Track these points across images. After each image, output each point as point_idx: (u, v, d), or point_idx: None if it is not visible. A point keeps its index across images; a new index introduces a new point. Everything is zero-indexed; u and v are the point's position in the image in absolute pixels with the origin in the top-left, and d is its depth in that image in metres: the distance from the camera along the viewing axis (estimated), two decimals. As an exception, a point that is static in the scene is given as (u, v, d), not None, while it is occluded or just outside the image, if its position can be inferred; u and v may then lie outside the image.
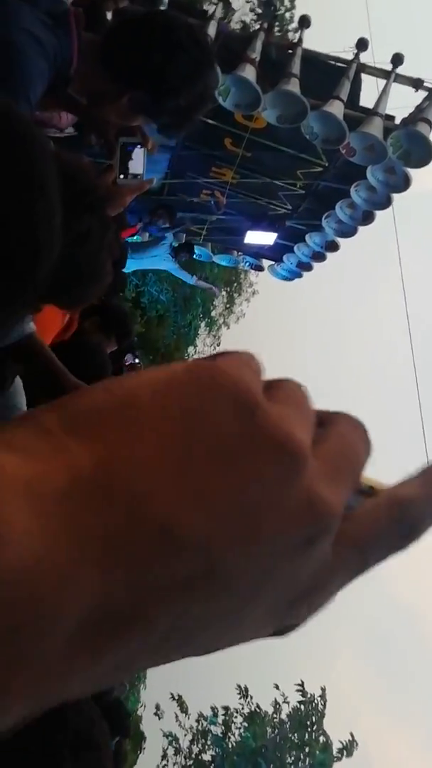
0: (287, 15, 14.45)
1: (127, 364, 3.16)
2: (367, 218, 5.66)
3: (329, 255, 6.86)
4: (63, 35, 1.36)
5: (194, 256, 7.72)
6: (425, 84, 4.46)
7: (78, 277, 1.18)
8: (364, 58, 4.65)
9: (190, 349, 16.02)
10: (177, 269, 7.17)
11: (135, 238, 6.71)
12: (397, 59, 4.49)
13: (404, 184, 4.87)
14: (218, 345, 25.31)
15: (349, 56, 4.58)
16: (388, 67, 4.60)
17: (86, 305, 1.84)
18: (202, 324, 16.33)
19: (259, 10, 14.50)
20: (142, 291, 11.59)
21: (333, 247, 6.59)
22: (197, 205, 6.75)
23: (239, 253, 8.21)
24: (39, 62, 1.29)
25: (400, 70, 4.60)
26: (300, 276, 7.81)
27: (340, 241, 6.44)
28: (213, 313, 17.48)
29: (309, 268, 7.38)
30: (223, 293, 25.61)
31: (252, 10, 14.95)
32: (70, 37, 1.37)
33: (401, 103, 4.76)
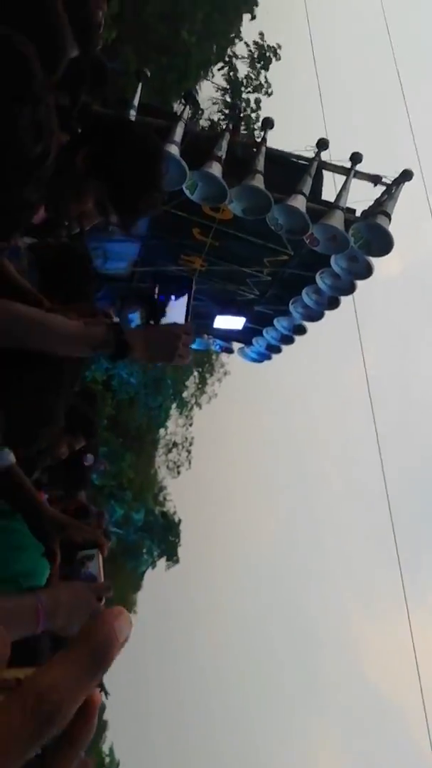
0: (253, 116, 15.40)
1: (86, 464, 3.09)
2: (333, 303, 5.82)
3: (297, 338, 7.01)
4: None
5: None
6: (383, 180, 4.70)
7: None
8: (325, 155, 4.91)
9: (161, 431, 15.95)
10: None
11: None
12: (356, 157, 4.74)
13: (366, 271, 5.05)
14: (190, 425, 25.37)
15: (311, 154, 4.83)
16: (348, 164, 4.86)
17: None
18: (174, 405, 16.32)
19: (226, 111, 15.47)
20: (113, 374, 11.62)
21: (300, 330, 6.74)
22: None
23: (209, 336, 8.33)
24: None
25: (359, 167, 4.87)
26: (269, 358, 7.93)
27: (307, 324, 6.59)
28: (184, 394, 17.53)
29: (278, 350, 7.51)
30: (195, 374, 25.88)
31: (219, 111, 15.94)
32: None
33: (361, 197, 5.01)
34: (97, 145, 1.51)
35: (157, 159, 1.56)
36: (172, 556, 23.88)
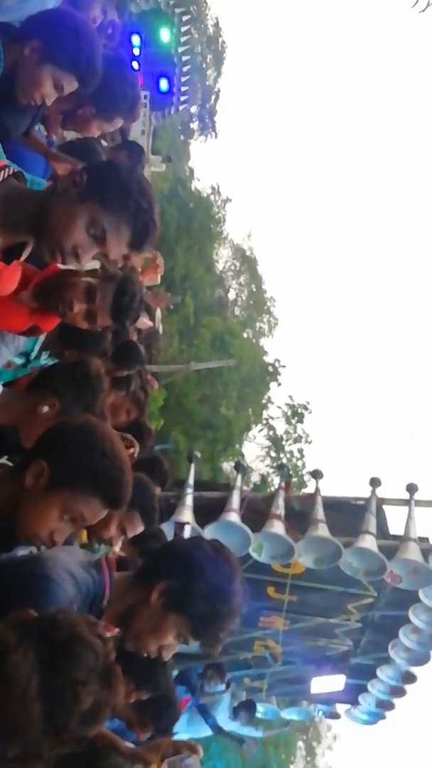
0: (299, 464, 16.48)
1: None
2: (437, 641, 5.25)
3: (408, 687, 6.17)
4: (97, 575, 1.55)
5: (258, 715, 6.99)
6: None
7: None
8: (381, 492, 4.98)
9: None
10: (241, 726, 6.49)
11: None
12: (412, 488, 4.81)
13: (463, 599, 4.66)
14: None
15: (367, 494, 4.91)
16: (406, 495, 4.90)
17: None
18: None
19: (274, 465, 16.62)
20: (208, 768, 10.07)
21: (410, 678, 5.97)
22: (253, 660, 6.38)
23: (309, 703, 7.40)
24: (68, 589, 1.45)
25: (417, 495, 4.89)
26: (383, 717, 6.87)
27: (415, 669, 5.86)
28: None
29: (390, 706, 6.55)
30: (300, 744, 22.42)
31: (267, 465, 17.08)
32: (103, 577, 1.55)
33: (429, 523, 4.92)
34: (174, 580, 1.54)
35: (236, 586, 1.57)
36: None
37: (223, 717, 6.25)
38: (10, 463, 1.62)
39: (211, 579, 1.52)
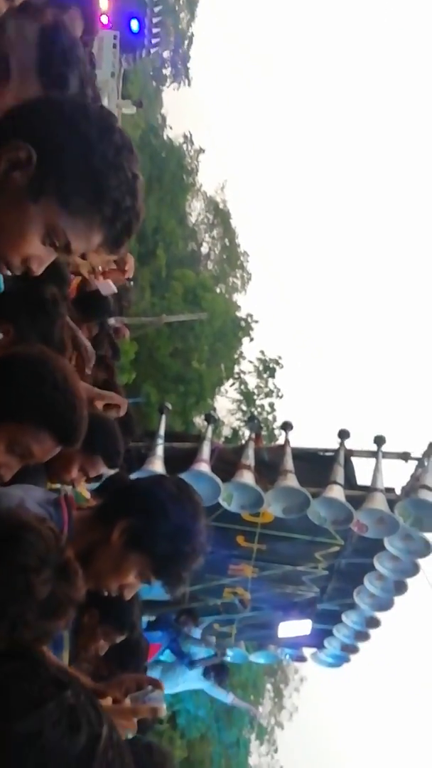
0: (269, 417, 16.61)
1: None
2: (400, 588, 5.41)
3: (372, 631, 6.38)
4: (55, 513, 1.55)
5: (228, 659, 7.16)
6: (412, 456, 4.73)
7: None
8: (349, 444, 5.03)
9: (245, 771, 13.71)
10: (211, 687, 6.69)
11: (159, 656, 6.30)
12: (380, 440, 4.87)
13: (425, 548, 4.78)
14: (275, 751, 21.96)
15: (335, 446, 4.96)
16: (374, 447, 4.96)
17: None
18: (252, 736, 14.30)
19: (245, 419, 16.70)
20: (178, 710, 10.43)
21: (374, 623, 6.16)
22: (222, 606, 6.51)
23: (276, 647, 7.62)
24: None
25: (385, 447, 4.95)
26: (348, 660, 7.13)
27: (379, 615, 6.05)
28: (262, 720, 15.48)
29: (355, 649, 6.78)
30: (269, 686, 23.27)
31: (238, 419, 17.20)
32: (62, 514, 1.56)
33: (396, 474, 5.01)
34: (135, 519, 1.52)
35: (199, 525, 1.55)
36: None
37: (195, 674, 6.40)
38: None
39: (173, 517, 1.50)
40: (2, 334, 1.73)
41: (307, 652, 7.54)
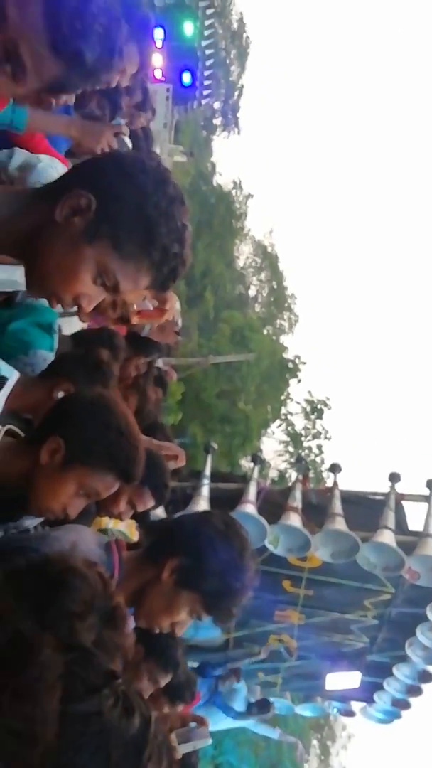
0: (317, 459, 16.37)
1: None
2: (455, 640, 5.16)
3: (424, 686, 6.07)
4: (106, 558, 1.57)
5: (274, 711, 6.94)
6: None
7: None
8: (400, 488, 4.90)
9: None
10: (256, 725, 6.44)
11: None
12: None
13: None
14: None
15: (386, 489, 4.84)
16: (426, 491, 4.81)
17: None
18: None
19: (292, 461, 16.53)
20: (221, 763, 10.08)
21: (427, 677, 5.87)
22: (267, 654, 6.34)
23: (323, 700, 7.33)
24: None
25: (436, 491, 4.80)
26: (399, 717, 6.78)
27: (432, 668, 5.77)
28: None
29: (406, 705, 6.46)
30: (315, 742, 22.31)
31: (285, 461, 17.04)
32: (112, 559, 1.57)
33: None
34: (185, 557, 1.54)
35: (248, 560, 1.57)
36: None
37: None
38: (20, 432, 1.60)
39: (222, 554, 1.51)
40: (64, 392, 1.80)
41: (356, 706, 7.23)
